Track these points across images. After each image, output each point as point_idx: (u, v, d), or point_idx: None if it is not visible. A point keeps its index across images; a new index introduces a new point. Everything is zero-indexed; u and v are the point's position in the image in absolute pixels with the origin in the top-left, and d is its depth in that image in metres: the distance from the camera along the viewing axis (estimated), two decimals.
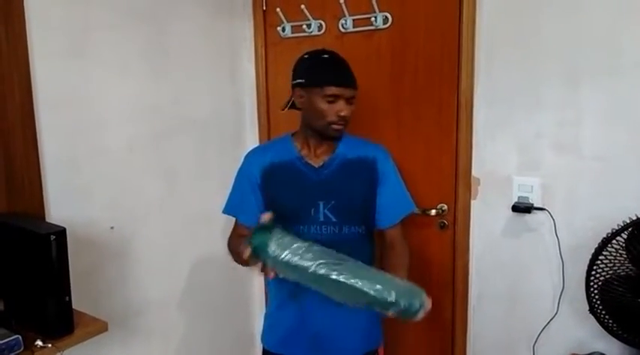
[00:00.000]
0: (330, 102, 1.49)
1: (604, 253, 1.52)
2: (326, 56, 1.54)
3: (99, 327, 1.50)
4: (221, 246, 2.06)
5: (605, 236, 1.51)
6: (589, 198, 1.74)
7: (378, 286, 1.24)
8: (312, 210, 1.55)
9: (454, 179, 2.00)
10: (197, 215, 2.16)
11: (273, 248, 1.26)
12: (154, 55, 1.93)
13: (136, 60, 1.86)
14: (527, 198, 1.84)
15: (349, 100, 1.52)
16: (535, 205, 1.82)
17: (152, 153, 1.95)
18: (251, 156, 1.68)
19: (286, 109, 1.66)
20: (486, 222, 1.96)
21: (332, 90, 1.48)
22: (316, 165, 1.58)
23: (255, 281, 2.54)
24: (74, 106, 1.66)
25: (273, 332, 1.71)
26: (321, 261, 1.25)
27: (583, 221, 1.75)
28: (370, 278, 1.26)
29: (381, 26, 2.05)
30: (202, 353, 2.28)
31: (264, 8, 2.32)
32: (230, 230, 1.71)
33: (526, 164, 1.85)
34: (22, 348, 1.31)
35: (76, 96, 1.66)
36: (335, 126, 1.52)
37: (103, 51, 1.74)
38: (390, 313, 1.25)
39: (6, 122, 1.56)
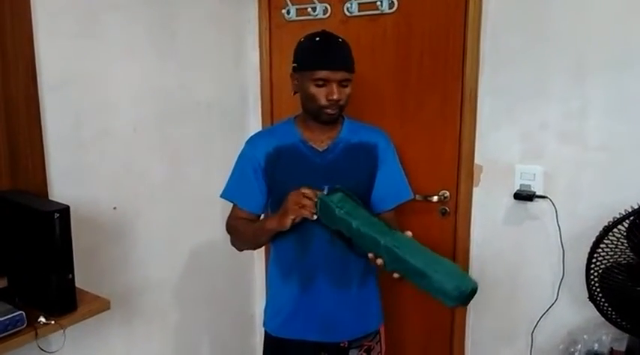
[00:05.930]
0: (319, 86, 1.46)
1: (605, 241, 1.52)
2: (317, 39, 1.50)
3: (101, 305, 1.51)
4: (223, 230, 2.07)
5: (606, 224, 1.52)
6: (591, 187, 1.75)
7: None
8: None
9: (457, 166, 2.00)
10: (199, 198, 2.16)
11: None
12: (160, 36, 1.93)
13: (142, 42, 1.86)
14: (530, 186, 1.84)
15: (342, 83, 1.47)
16: (537, 193, 1.82)
17: (156, 135, 1.94)
18: (254, 140, 1.66)
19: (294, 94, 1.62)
20: (488, 209, 1.96)
21: (321, 73, 1.45)
22: (320, 149, 1.57)
23: (256, 265, 2.56)
24: (79, 86, 1.65)
25: (275, 316, 1.66)
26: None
27: (585, 209, 1.75)
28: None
29: (387, 11, 2.04)
30: (202, 334, 2.30)
31: None
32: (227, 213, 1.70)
33: (529, 152, 1.85)
34: (25, 324, 1.31)
35: (81, 76, 1.66)
36: (327, 111, 1.49)
37: (110, 32, 1.73)
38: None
39: (10, 100, 1.56)
